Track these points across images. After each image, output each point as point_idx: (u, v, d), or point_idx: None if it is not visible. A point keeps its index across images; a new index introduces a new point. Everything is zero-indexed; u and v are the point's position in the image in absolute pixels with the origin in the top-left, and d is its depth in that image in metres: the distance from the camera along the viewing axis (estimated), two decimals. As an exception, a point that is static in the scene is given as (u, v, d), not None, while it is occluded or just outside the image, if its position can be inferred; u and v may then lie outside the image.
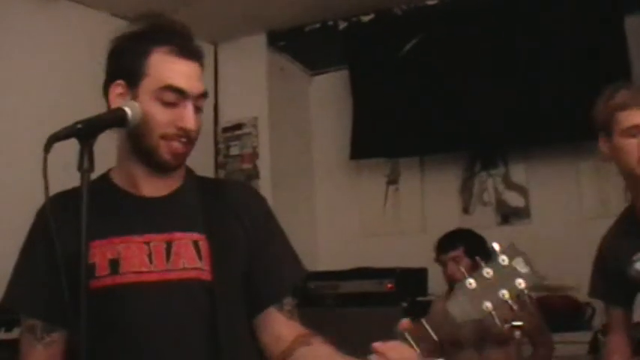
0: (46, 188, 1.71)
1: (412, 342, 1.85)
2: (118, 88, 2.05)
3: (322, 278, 5.19)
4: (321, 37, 6.05)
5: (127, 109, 1.90)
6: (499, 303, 1.80)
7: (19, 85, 4.75)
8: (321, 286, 5.17)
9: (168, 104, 2.01)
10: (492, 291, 1.81)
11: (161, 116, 2.00)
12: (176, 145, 2.03)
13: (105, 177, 2.16)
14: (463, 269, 1.96)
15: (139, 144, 2.04)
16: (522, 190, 5.78)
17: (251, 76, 6.20)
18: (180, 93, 2.02)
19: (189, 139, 2.04)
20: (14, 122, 4.68)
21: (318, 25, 6.01)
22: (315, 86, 6.69)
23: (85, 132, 1.76)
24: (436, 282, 4.90)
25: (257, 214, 2.21)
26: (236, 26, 5.98)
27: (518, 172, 5.81)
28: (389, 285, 4.99)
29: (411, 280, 5.14)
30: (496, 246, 1.85)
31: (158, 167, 2.07)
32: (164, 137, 2.01)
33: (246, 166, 6.14)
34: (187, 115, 2.02)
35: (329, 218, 6.44)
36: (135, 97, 2.01)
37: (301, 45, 6.25)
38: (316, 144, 6.61)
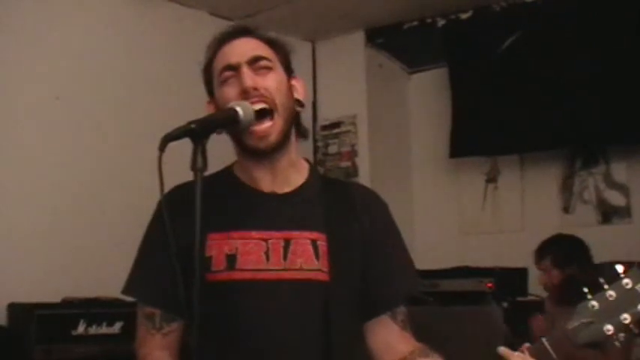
0: (161, 185, 1.76)
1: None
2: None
3: (421, 276, 5.11)
4: (420, 35, 6.04)
5: (239, 109, 1.92)
6: (620, 326, 1.79)
7: (119, 85, 4.90)
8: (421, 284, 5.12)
9: (228, 81, 2.05)
10: (614, 314, 1.79)
11: (228, 94, 2.04)
12: (256, 128, 2.00)
13: (228, 170, 2.19)
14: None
15: (233, 137, 2.08)
16: (623, 189, 5.66)
17: (349, 74, 6.24)
18: (231, 68, 2.05)
19: (260, 99, 2.02)
20: (125, 120, 4.84)
21: (416, 23, 6.01)
22: (413, 84, 6.67)
23: (198, 132, 1.78)
24: (536, 282, 4.85)
25: (378, 219, 2.18)
26: (334, 24, 6.01)
27: (620, 171, 5.69)
28: (489, 284, 4.96)
29: (511, 280, 5.10)
30: (619, 268, 1.81)
31: (255, 154, 2.07)
32: None
33: (345, 163, 6.18)
34: (242, 77, 2.03)
35: (427, 216, 6.40)
36: (217, 104, 2.09)
37: (400, 42, 6.25)
38: (415, 142, 6.59)
